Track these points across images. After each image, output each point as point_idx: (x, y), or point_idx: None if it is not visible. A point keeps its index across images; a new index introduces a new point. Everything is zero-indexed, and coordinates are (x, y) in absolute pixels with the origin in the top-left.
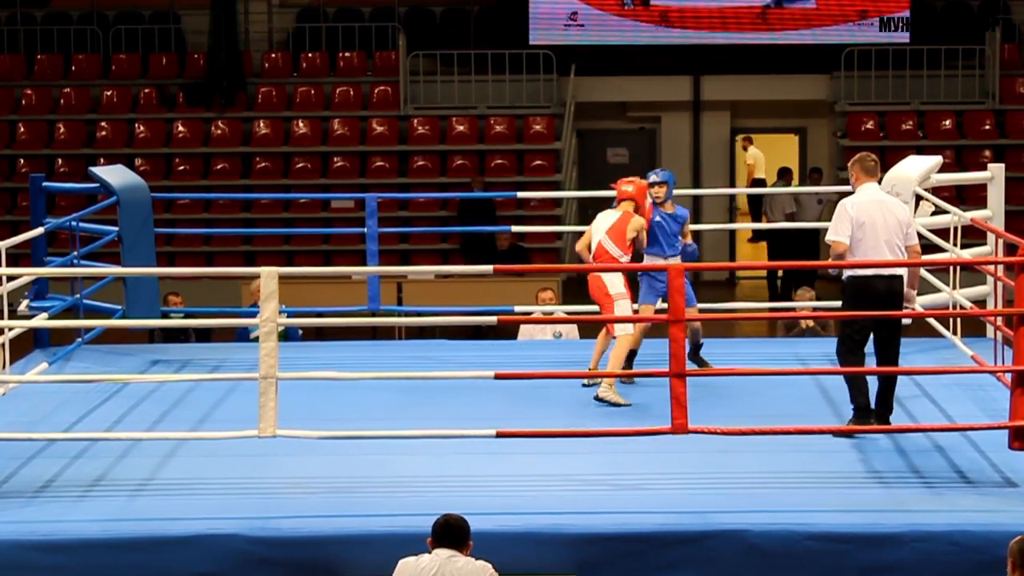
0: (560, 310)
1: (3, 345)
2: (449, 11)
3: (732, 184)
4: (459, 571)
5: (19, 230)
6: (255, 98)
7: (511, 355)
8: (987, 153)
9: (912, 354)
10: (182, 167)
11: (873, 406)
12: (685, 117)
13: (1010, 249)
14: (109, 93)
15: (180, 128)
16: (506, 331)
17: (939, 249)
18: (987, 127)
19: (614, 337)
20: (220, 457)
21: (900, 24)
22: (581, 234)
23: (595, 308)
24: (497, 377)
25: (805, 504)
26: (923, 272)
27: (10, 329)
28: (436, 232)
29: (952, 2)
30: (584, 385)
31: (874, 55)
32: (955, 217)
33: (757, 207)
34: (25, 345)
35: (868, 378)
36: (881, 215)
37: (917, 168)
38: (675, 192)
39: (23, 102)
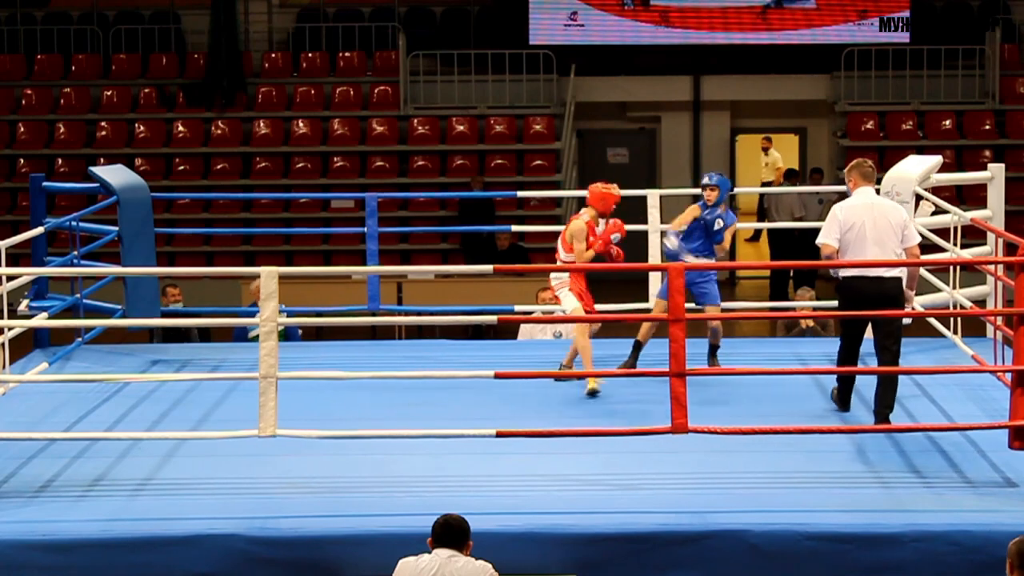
0: (560, 310)
1: (3, 345)
2: (449, 11)
3: (732, 184)
4: (459, 571)
5: (19, 230)
6: (255, 98)
7: (511, 355)
8: (987, 153)
9: (912, 354)
10: (182, 167)
11: (873, 406)
12: (685, 117)
13: (1010, 249)
14: (109, 93)
15: (180, 128)
16: (506, 331)
17: (939, 249)
18: (987, 127)
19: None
20: (220, 457)
21: (900, 24)
22: None
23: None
24: (497, 377)
25: (805, 504)
26: (923, 272)
27: (10, 329)
28: (436, 232)
29: (952, 2)
30: (557, 380)
31: (874, 55)
32: (955, 217)
33: (760, 207)
34: (25, 345)
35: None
36: (871, 218)
37: (917, 168)
38: (675, 192)
39: (23, 102)
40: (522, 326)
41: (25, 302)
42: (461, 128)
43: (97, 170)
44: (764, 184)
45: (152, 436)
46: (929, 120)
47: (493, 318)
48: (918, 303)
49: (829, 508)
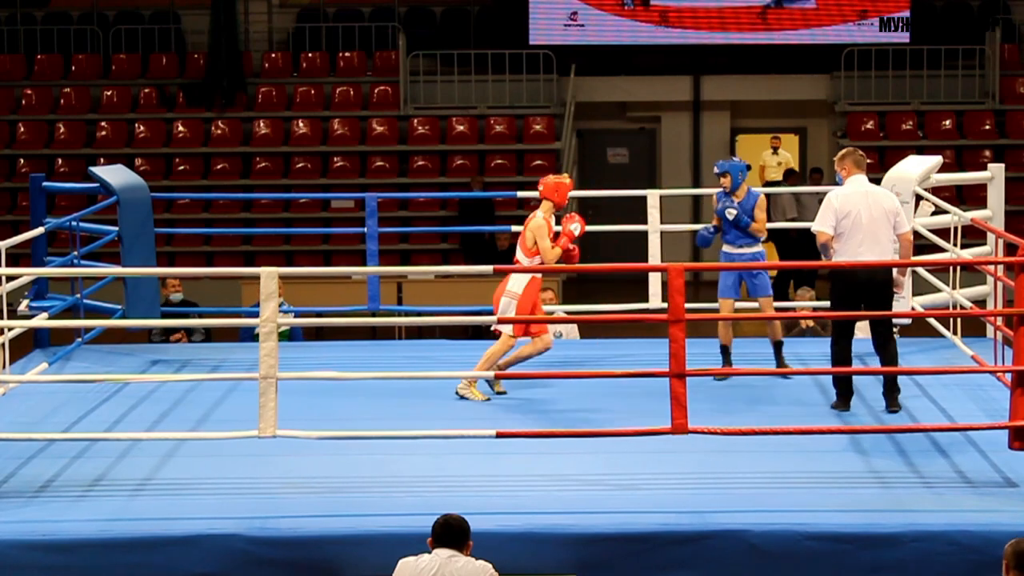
0: (560, 310)
1: (3, 345)
2: (449, 11)
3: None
4: (459, 571)
5: (19, 230)
6: (255, 98)
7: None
8: (987, 153)
9: (912, 354)
10: (182, 167)
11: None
12: (685, 117)
13: (1010, 249)
14: (109, 93)
15: (180, 128)
16: None
17: (939, 249)
18: (987, 127)
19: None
20: (220, 457)
21: (900, 24)
22: None
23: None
24: (497, 377)
25: (805, 504)
26: (923, 272)
27: (10, 329)
28: (436, 232)
29: (952, 2)
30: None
31: (874, 55)
32: (955, 217)
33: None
34: (25, 345)
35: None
36: (866, 206)
37: (917, 168)
38: (674, 192)
39: (23, 102)
40: None
41: (25, 302)
42: (461, 128)
43: (97, 170)
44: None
45: (152, 436)
46: (929, 120)
47: (493, 318)
48: (917, 303)
49: (829, 508)
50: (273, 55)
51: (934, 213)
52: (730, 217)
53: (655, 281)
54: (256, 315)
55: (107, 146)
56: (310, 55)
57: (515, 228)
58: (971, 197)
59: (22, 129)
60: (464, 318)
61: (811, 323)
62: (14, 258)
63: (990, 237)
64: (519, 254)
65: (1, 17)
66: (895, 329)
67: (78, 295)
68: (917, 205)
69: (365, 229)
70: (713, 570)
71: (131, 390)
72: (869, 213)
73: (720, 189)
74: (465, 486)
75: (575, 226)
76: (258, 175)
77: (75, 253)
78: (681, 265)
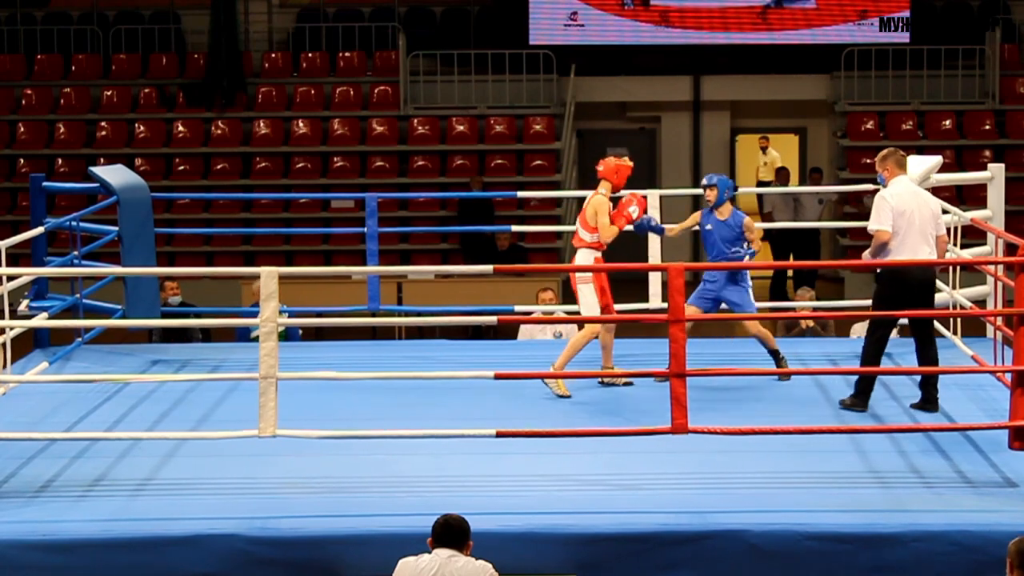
0: (560, 310)
1: (3, 345)
2: (449, 11)
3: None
4: (459, 571)
5: (19, 230)
6: (255, 98)
7: (511, 355)
8: (987, 153)
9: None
10: (182, 167)
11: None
12: (685, 117)
13: (1010, 249)
14: (109, 93)
15: (180, 128)
16: (506, 331)
17: None
18: (987, 127)
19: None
20: (220, 457)
21: (900, 24)
22: None
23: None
24: (497, 377)
25: (805, 504)
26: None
27: (10, 329)
28: (436, 232)
29: (952, 2)
30: (601, 383)
31: (874, 55)
32: (955, 217)
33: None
34: (25, 345)
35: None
36: (918, 206)
37: (917, 168)
38: (674, 192)
39: (23, 102)
40: (522, 326)
41: (25, 302)
42: (461, 128)
43: (97, 170)
44: (761, 184)
45: (152, 436)
46: (929, 120)
47: (493, 318)
48: None
49: (829, 508)
50: (273, 55)
51: None
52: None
53: (655, 281)
54: (255, 315)
55: (107, 146)
56: (310, 55)
57: (515, 228)
58: (971, 197)
59: (22, 129)
60: (464, 318)
61: (811, 323)
62: (14, 258)
63: (990, 237)
64: (580, 230)
65: (1, 17)
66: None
67: (78, 295)
68: None
69: (365, 229)
70: (713, 570)
71: (131, 390)
72: (920, 213)
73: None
74: (465, 486)
75: (633, 208)
76: (258, 175)
77: (75, 253)
78: (681, 265)
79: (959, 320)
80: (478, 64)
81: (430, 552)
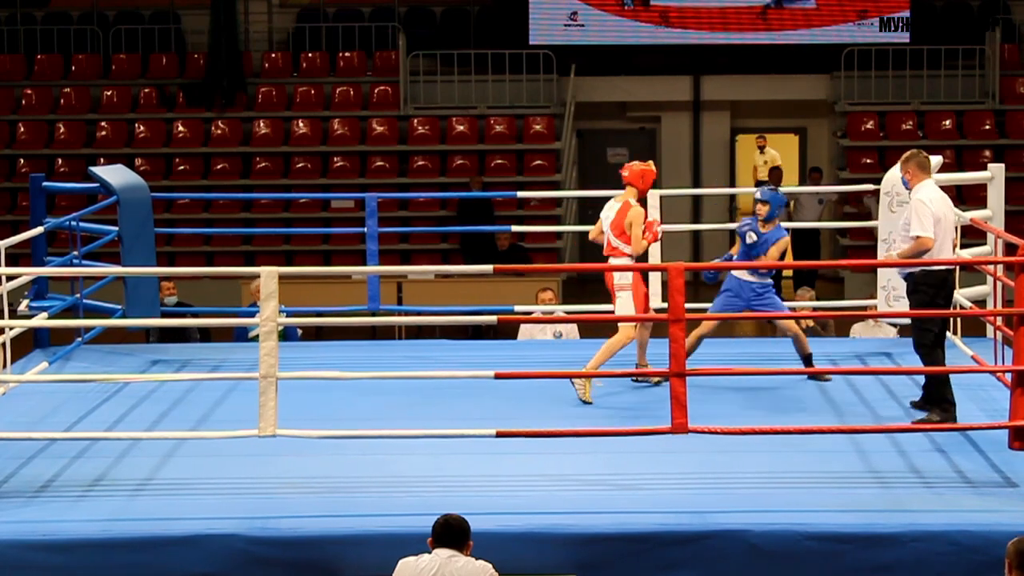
0: (560, 310)
1: (3, 345)
2: (449, 11)
3: (732, 184)
4: (459, 571)
5: (19, 230)
6: (255, 98)
7: (511, 355)
8: (987, 153)
9: (912, 354)
10: (182, 167)
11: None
12: (685, 117)
13: (1010, 249)
14: (109, 93)
15: (180, 128)
16: (506, 331)
17: None
18: (987, 127)
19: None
20: (220, 457)
21: (900, 24)
22: (581, 234)
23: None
24: (497, 377)
25: (805, 504)
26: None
27: (10, 329)
28: (436, 232)
29: (952, 2)
30: (634, 381)
31: (874, 55)
32: (955, 217)
33: None
34: (25, 345)
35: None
36: (949, 210)
37: None
38: (674, 192)
39: (23, 102)
40: (522, 326)
41: (25, 302)
42: (461, 128)
43: (97, 170)
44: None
45: (152, 436)
46: (929, 120)
47: (493, 318)
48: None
49: (829, 508)
50: (273, 55)
51: None
52: (750, 240)
53: (655, 281)
54: (254, 315)
55: (107, 146)
56: (310, 55)
57: (515, 228)
58: (971, 197)
59: (22, 129)
60: (464, 318)
61: (811, 323)
62: (14, 258)
63: (990, 237)
64: (613, 239)
65: (1, 17)
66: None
67: (78, 295)
68: None
69: (365, 229)
70: (713, 570)
71: (131, 390)
72: (948, 218)
73: (751, 217)
74: (465, 486)
75: (659, 228)
76: (258, 175)
77: (75, 253)
78: (681, 265)
79: (959, 320)
80: (478, 64)
81: (430, 552)
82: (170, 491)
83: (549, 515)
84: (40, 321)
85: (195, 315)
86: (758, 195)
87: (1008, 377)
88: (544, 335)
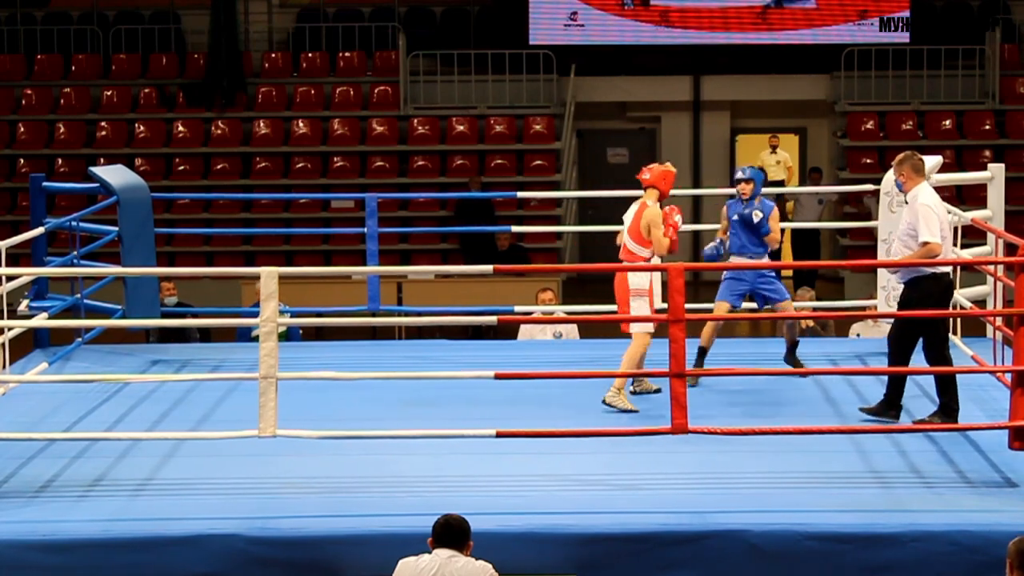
0: (560, 310)
1: (3, 345)
2: (449, 11)
3: (732, 184)
4: (459, 571)
5: (19, 230)
6: (255, 98)
7: (511, 355)
8: (987, 153)
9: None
10: (182, 167)
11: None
12: (685, 117)
13: (1010, 249)
14: (109, 93)
15: (180, 128)
16: (506, 331)
17: None
18: (987, 127)
19: (628, 335)
20: (220, 457)
21: (900, 24)
22: (581, 234)
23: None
24: (497, 377)
25: (805, 504)
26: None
27: (10, 329)
28: (436, 232)
29: (952, 2)
30: (632, 392)
31: (874, 55)
32: (955, 217)
33: None
34: (25, 345)
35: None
36: (946, 214)
37: None
38: (673, 192)
39: (23, 102)
40: (522, 326)
41: (25, 302)
42: (461, 128)
43: (97, 170)
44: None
45: (152, 436)
46: (929, 120)
47: (493, 318)
48: None
49: (829, 508)
50: (273, 55)
51: None
52: (755, 220)
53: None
54: (255, 315)
55: (107, 146)
56: (310, 55)
57: (515, 228)
58: (971, 197)
59: (22, 129)
60: (464, 318)
61: (811, 323)
62: (14, 258)
63: (990, 237)
64: (630, 243)
65: (1, 17)
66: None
67: (78, 295)
68: None
69: (365, 229)
70: (713, 570)
71: (131, 390)
72: (947, 221)
73: (734, 198)
74: (465, 486)
75: (679, 217)
76: (258, 175)
77: (75, 253)
78: (681, 265)
79: (959, 320)
80: (478, 64)
81: (430, 552)
82: (170, 491)
83: (549, 515)
84: (40, 321)
85: (195, 315)
86: (740, 174)
87: (1008, 377)
88: (544, 335)
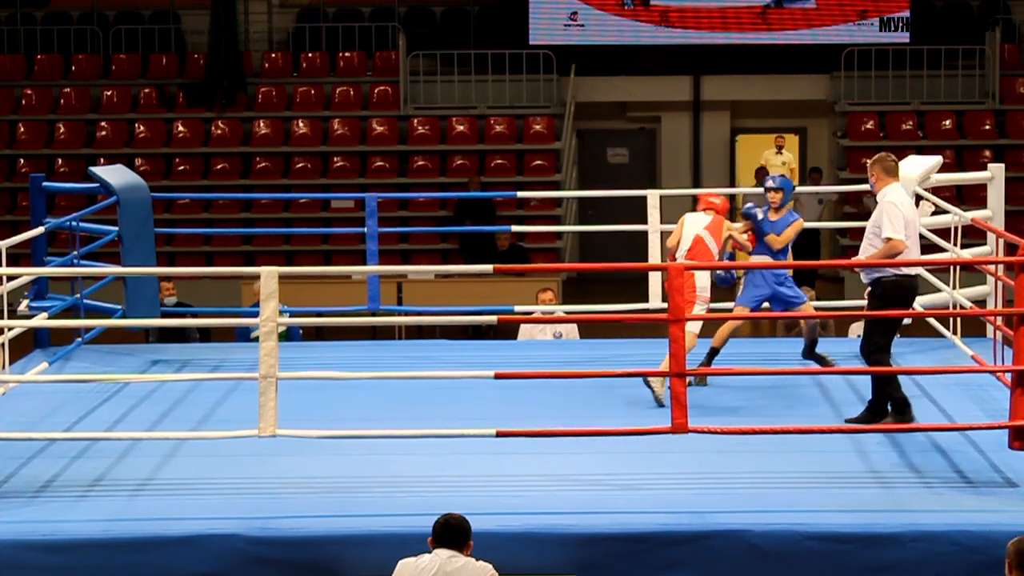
0: (560, 310)
1: (3, 345)
2: (449, 11)
3: (732, 184)
4: (459, 571)
5: (19, 230)
6: (255, 98)
7: (511, 355)
8: (987, 153)
9: (912, 354)
10: (182, 167)
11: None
12: (685, 117)
13: (1010, 249)
14: (109, 93)
15: (180, 128)
16: (506, 331)
17: (939, 249)
18: (987, 127)
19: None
20: (220, 457)
21: (900, 24)
22: (581, 234)
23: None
24: (497, 377)
25: (805, 504)
26: (923, 272)
27: (10, 329)
28: (436, 232)
29: (952, 2)
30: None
31: (874, 55)
32: (955, 217)
33: None
34: (25, 345)
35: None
36: (915, 214)
37: (917, 168)
38: (674, 192)
39: (23, 102)
40: (522, 326)
41: (25, 302)
42: (461, 128)
43: (97, 170)
44: None
45: (152, 436)
46: (929, 120)
47: (493, 318)
48: (917, 303)
49: (829, 508)
50: (273, 55)
51: (934, 213)
52: (759, 217)
53: (655, 281)
54: (255, 315)
55: (107, 146)
56: (310, 55)
57: (515, 228)
58: (971, 197)
59: (22, 129)
60: (464, 318)
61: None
62: (14, 258)
63: (990, 237)
64: (712, 244)
65: (1, 17)
66: None
67: (78, 295)
68: (917, 205)
69: (365, 229)
70: (713, 570)
71: (131, 390)
72: (916, 220)
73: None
74: (465, 486)
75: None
76: (258, 175)
77: (75, 253)
78: (681, 265)
79: (959, 320)
80: (478, 64)
81: (430, 552)
82: (170, 491)
83: (549, 515)
84: (40, 321)
85: (195, 315)
86: (771, 183)
87: (1008, 377)
88: (544, 335)
